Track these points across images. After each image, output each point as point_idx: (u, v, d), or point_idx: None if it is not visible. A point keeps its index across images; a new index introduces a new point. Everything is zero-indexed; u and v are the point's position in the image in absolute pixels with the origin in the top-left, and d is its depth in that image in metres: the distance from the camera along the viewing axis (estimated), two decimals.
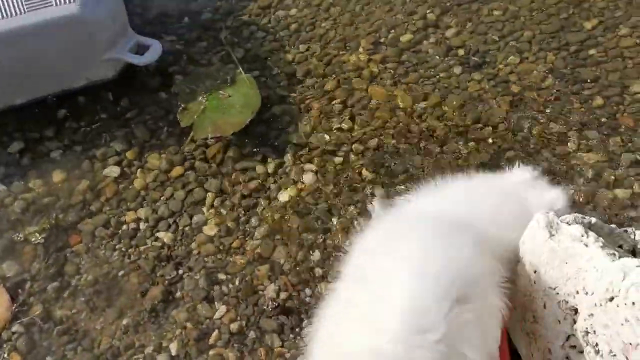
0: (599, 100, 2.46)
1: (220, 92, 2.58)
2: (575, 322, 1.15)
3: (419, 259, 1.06)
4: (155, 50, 2.47)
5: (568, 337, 1.18)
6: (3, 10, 2.16)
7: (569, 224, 1.18)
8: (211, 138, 2.38)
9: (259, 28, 2.94)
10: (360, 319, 1.02)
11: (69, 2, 2.22)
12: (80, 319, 1.87)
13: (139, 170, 2.31)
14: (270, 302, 1.87)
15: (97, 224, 2.12)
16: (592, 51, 2.69)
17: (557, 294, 1.19)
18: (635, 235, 1.41)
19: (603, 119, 2.39)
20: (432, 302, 0.96)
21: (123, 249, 2.05)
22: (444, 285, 0.99)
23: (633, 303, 1.00)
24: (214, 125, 2.42)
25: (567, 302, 1.17)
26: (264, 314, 1.88)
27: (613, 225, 1.43)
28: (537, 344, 1.29)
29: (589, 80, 2.55)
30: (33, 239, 2.04)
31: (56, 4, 2.21)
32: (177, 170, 2.31)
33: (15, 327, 1.83)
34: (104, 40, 2.37)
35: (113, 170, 2.29)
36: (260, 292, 1.95)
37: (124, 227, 2.12)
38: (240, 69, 2.71)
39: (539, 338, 1.28)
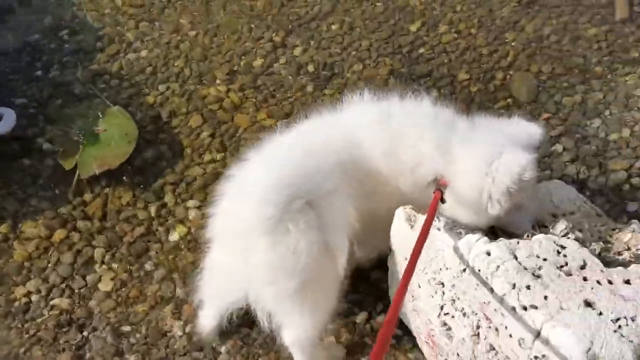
0: (435, 92, 2.79)
1: (95, 127, 2.60)
2: (444, 293, 1.38)
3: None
4: (9, 118, 2.43)
5: (442, 307, 1.41)
6: None
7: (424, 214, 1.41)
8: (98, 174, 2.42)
9: (112, 76, 2.96)
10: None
11: None
12: None
13: (15, 242, 2.26)
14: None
15: None
16: (421, 50, 3.04)
17: (426, 273, 1.42)
18: None
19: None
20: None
21: (19, 326, 2.02)
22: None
23: (479, 270, 1.24)
24: (98, 160, 2.45)
25: (434, 279, 1.40)
26: (176, 354, 1.95)
27: None
28: (420, 318, 1.51)
29: (424, 76, 2.89)
30: None
31: None
32: (60, 234, 2.29)
33: None
34: None
35: None
36: (169, 333, 2.01)
37: (16, 303, 2.09)
38: (108, 102, 2.75)
39: (420, 312, 1.50)
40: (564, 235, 1.39)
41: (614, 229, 1.48)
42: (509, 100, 2.70)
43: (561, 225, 1.44)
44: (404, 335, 1.80)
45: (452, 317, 1.37)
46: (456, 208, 1.44)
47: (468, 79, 2.83)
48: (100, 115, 2.71)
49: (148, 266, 2.20)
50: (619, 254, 1.36)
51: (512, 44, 2.99)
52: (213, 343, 1.95)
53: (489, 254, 1.23)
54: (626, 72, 2.76)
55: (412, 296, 1.51)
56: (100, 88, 2.88)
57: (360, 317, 1.94)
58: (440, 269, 1.37)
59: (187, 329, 2.01)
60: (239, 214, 1.42)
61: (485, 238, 1.26)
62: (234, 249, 1.45)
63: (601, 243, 1.39)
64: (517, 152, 1.42)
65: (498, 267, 1.21)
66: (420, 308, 1.49)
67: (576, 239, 1.36)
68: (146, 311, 2.06)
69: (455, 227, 1.37)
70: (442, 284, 1.39)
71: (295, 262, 1.33)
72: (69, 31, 3.24)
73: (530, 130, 1.61)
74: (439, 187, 1.45)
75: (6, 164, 2.51)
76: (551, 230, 1.44)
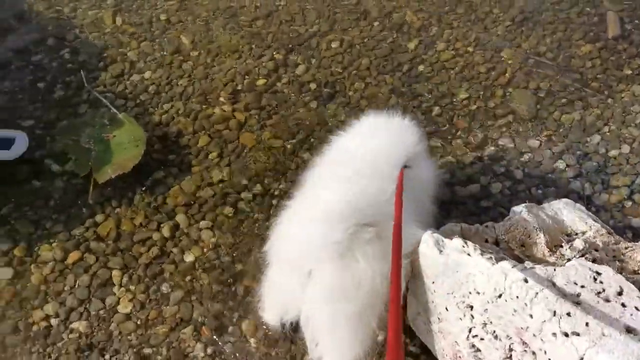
0: (436, 110, 2.87)
1: (103, 135, 2.66)
2: (473, 317, 1.45)
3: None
4: (21, 142, 2.45)
5: (470, 330, 1.47)
6: None
7: (451, 239, 1.48)
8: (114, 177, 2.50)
9: (117, 96, 2.99)
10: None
11: None
12: None
13: (32, 265, 2.28)
14: None
15: (5, 332, 2.07)
16: (420, 67, 3.12)
17: (455, 296, 1.48)
18: (495, 229, 1.76)
19: (443, 128, 2.80)
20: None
21: (40, 350, 2.04)
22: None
23: (517, 297, 1.31)
24: (112, 166, 2.52)
25: (463, 302, 1.47)
26: None
27: (477, 225, 1.77)
28: (447, 340, 1.58)
29: (425, 94, 2.97)
30: None
31: None
32: (74, 256, 2.31)
33: None
34: None
35: (4, 273, 2.24)
36: (191, 354, 2.05)
37: (35, 327, 2.10)
38: (114, 109, 2.79)
39: (447, 334, 1.57)
40: (582, 256, 1.47)
41: (626, 247, 1.56)
42: (509, 117, 2.79)
43: (578, 246, 1.51)
44: (422, 353, 1.87)
45: (482, 339, 1.43)
46: None
47: (468, 97, 2.92)
48: (107, 123, 2.77)
49: (164, 288, 2.23)
50: (635, 272, 1.44)
51: (509, 61, 3.09)
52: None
53: (526, 281, 1.30)
54: (621, 89, 2.88)
55: (438, 318, 1.57)
56: (104, 107, 2.90)
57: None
58: (470, 293, 1.43)
59: (209, 351, 2.04)
60: (305, 236, 1.46)
61: (522, 265, 1.33)
62: (296, 269, 1.50)
63: (617, 262, 1.47)
64: None
65: (537, 294, 1.28)
66: (446, 330, 1.56)
67: (594, 260, 1.44)
68: (166, 333, 2.09)
69: (485, 253, 1.43)
70: (471, 307, 1.45)
71: (358, 288, 1.39)
72: (70, 50, 3.26)
73: None
74: None
75: (17, 187, 2.52)
76: (569, 250, 1.52)
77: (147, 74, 3.12)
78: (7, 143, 2.44)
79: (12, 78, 3.06)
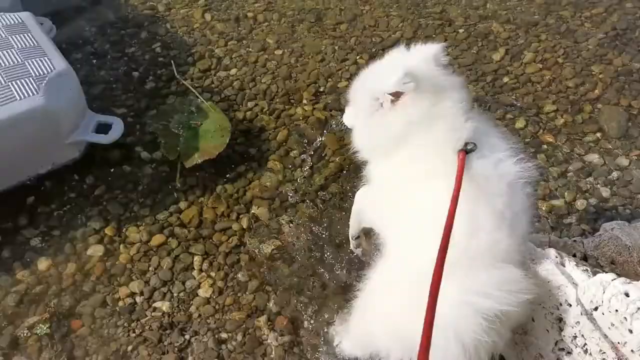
0: (520, 123, 2.83)
1: (192, 122, 2.79)
2: (561, 329, 1.42)
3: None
4: (117, 127, 2.57)
5: (556, 343, 1.45)
6: None
7: (543, 249, 1.46)
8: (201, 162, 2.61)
9: (204, 90, 3.10)
10: None
11: (33, 94, 2.29)
12: None
13: (121, 245, 2.40)
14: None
15: (94, 305, 2.19)
16: (505, 79, 3.08)
17: (543, 307, 1.46)
18: (583, 244, 1.72)
19: (527, 139, 2.75)
20: None
21: (125, 325, 2.14)
22: None
23: (616, 310, 1.28)
24: (199, 152, 2.63)
25: (552, 314, 1.45)
26: None
27: (566, 238, 1.74)
28: (529, 351, 1.55)
29: (509, 105, 2.93)
30: (35, 330, 2.08)
31: (20, 98, 2.27)
32: (158, 239, 2.41)
33: None
34: (68, 125, 2.45)
35: (97, 250, 2.36)
36: (265, 342, 2.10)
37: (121, 303, 2.21)
38: (201, 98, 2.91)
39: (530, 346, 1.54)
40: None
41: None
42: (597, 134, 2.72)
43: None
44: None
45: (569, 353, 1.41)
46: None
47: (555, 110, 2.86)
48: (195, 112, 2.89)
49: (241, 276, 2.30)
50: None
51: (600, 76, 3.00)
52: None
53: (627, 294, 1.27)
54: None
55: (522, 329, 1.55)
56: (190, 99, 3.02)
57: None
58: (561, 304, 1.41)
59: (281, 340, 2.09)
60: (417, 261, 1.35)
61: (623, 278, 1.30)
62: (405, 298, 1.36)
63: None
64: None
65: (638, 309, 1.25)
66: (529, 342, 1.54)
67: None
68: (242, 319, 2.16)
69: (580, 265, 1.41)
70: (560, 319, 1.43)
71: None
72: (162, 45, 3.41)
73: None
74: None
75: (110, 171, 2.66)
76: None
77: (232, 71, 3.22)
78: (105, 128, 2.58)
79: (108, 68, 3.23)
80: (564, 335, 1.42)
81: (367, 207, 1.84)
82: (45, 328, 2.07)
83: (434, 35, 3.38)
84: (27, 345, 2.05)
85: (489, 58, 3.21)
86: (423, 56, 1.61)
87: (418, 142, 1.52)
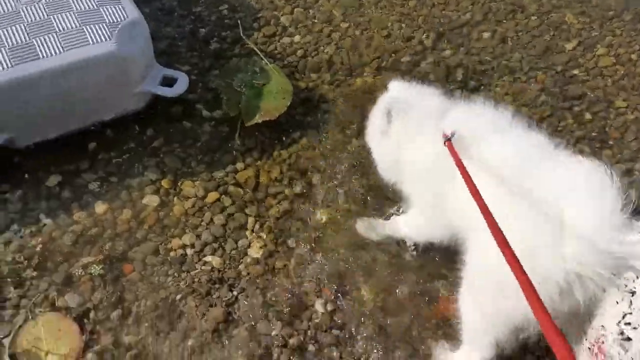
0: (588, 116, 2.74)
1: (255, 81, 2.81)
2: (632, 303, 1.38)
3: None
4: (183, 82, 2.59)
5: (624, 316, 1.40)
6: (42, 50, 2.25)
7: None
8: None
9: (268, 55, 3.09)
10: None
11: (106, 39, 2.32)
12: (147, 343, 1.98)
13: (175, 198, 2.42)
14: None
15: (146, 252, 2.23)
16: (575, 71, 2.98)
17: (618, 279, 1.42)
18: None
19: (594, 133, 2.66)
20: None
21: (175, 275, 2.17)
22: None
23: None
24: (261, 111, 2.66)
25: (626, 286, 1.41)
26: (318, 329, 2.04)
27: None
28: (592, 323, 1.52)
29: (577, 97, 2.83)
30: (89, 270, 2.13)
31: (93, 42, 2.31)
32: (213, 196, 2.43)
33: (90, 356, 1.93)
34: (136, 75, 2.48)
35: (152, 200, 2.40)
36: (311, 308, 2.10)
37: (172, 253, 2.24)
38: (266, 60, 2.92)
39: (593, 317, 1.50)
40: None
41: None
42: None
43: None
44: None
45: (635, 328, 1.37)
46: None
47: (625, 106, 2.75)
48: (258, 72, 2.89)
49: (291, 242, 2.30)
50: None
51: None
52: None
53: None
54: None
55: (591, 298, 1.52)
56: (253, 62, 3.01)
57: None
58: (638, 277, 1.37)
59: (328, 308, 2.09)
60: None
61: None
62: None
63: None
64: None
65: None
66: (594, 313, 1.51)
67: None
68: (290, 284, 2.16)
69: None
70: (633, 293, 1.39)
71: None
72: (229, 7, 3.41)
73: None
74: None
75: (169, 124, 2.69)
76: None
77: (296, 38, 3.20)
78: (170, 81, 2.60)
79: (175, 25, 3.25)
80: (634, 308, 1.38)
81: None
82: (98, 269, 2.12)
83: (504, 21, 3.29)
84: (80, 283, 2.11)
85: (560, 47, 3.10)
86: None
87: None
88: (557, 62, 3.03)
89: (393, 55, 3.11)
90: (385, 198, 2.41)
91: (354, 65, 3.04)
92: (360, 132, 2.67)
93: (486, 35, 3.21)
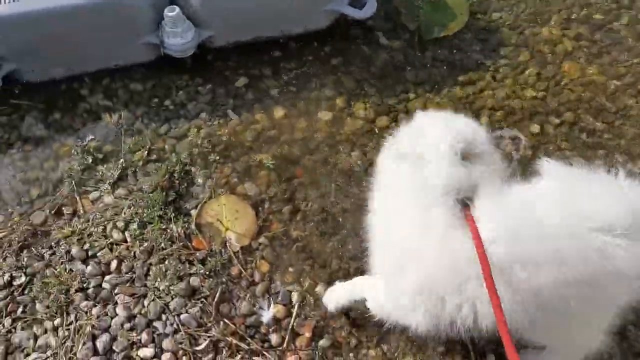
0: None
1: None
2: None
3: None
4: (372, 4, 2.64)
5: None
6: None
7: None
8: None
9: None
10: None
11: None
12: (312, 240, 2.14)
13: (348, 117, 2.52)
14: None
15: (317, 161, 2.36)
16: None
17: None
18: None
19: None
20: None
21: (342, 186, 2.29)
22: None
23: None
24: (439, 25, 2.79)
25: None
26: None
27: None
28: None
29: None
30: (266, 164, 2.31)
31: None
32: (383, 121, 2.50)
33: (262, 239, 2.13)
34: None
35: (326, 115, 2.51)
36: None
37: (339, 166, 2.35)
38: None
39: None
40: None
41: None
42: None
43: None
44: None
45: None
46: None
47: None
48: None
49: None
50: None
51: None
52: None
53: None
54: None
55: None
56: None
57: None
58: None
59: None
60: None
61: None
62: None
63: None
64: None
65: None
66: None
67: None
68: None
69: None
70: None
71: None
72: None
73: None
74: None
75: (348, 46, 2.77)
76: None
77: None
78: (360, 4, 2.65)
79: None
80: None
81: None
82: (272, 164, 2.29)
83: None
84: (258, 176, 2.30)
85: None
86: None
87: None
88: None
89: (584, 9, 2.94)
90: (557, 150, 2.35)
91: (540, 12, 2.92)
92: (536, 84, 2.60)
93: None
